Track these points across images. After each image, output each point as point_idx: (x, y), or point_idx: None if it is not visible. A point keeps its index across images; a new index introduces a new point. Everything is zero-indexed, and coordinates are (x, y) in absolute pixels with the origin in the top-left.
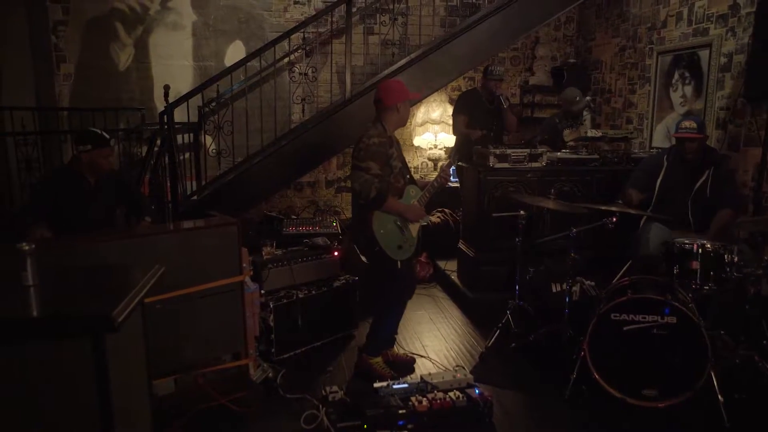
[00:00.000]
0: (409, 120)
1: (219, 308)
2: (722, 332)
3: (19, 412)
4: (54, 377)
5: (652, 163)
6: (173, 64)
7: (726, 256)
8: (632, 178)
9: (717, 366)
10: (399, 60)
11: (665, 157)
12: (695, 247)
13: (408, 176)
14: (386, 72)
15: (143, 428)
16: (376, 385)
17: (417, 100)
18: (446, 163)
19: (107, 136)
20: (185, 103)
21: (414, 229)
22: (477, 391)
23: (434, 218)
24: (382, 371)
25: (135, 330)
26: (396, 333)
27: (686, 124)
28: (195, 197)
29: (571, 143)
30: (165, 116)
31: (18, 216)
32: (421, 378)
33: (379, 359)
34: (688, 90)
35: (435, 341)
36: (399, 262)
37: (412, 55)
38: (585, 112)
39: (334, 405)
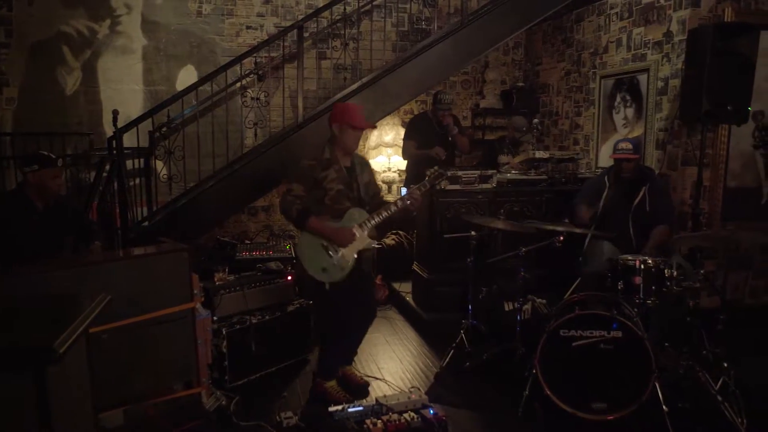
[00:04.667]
0: (361, 144)
1: (170, 336)
2: (666, 344)
3: None
4: None
5: (595, 183)
6: (123, 89)
7: (666, 271)
8: (580, 195)
9: (661, 377)
10: (351, 84)
11: (606, 177)
12: (637, 262)
13: (355, 198)
14: (338, 96)
15: None
16: (331, 409)
17: (362, 129)
18: (414, 188)
19: (54, 156)
20: (135, 128)
21: (350, 252)
22: (431, 411)
23: (389, 240)
24: (337, 395)
25: (79, 361)
26: (355, 353)
27: (622, 145)
28: (146, 223)
29: (512, 165)
30: (114, 141)
31: None
32: (376, 400)
33: (333, 383)
34: (630, 112)
35: (390, 363)
36: (327, 285)
37: (364, 80)
38: (526, 140)
39: (288, 431)
